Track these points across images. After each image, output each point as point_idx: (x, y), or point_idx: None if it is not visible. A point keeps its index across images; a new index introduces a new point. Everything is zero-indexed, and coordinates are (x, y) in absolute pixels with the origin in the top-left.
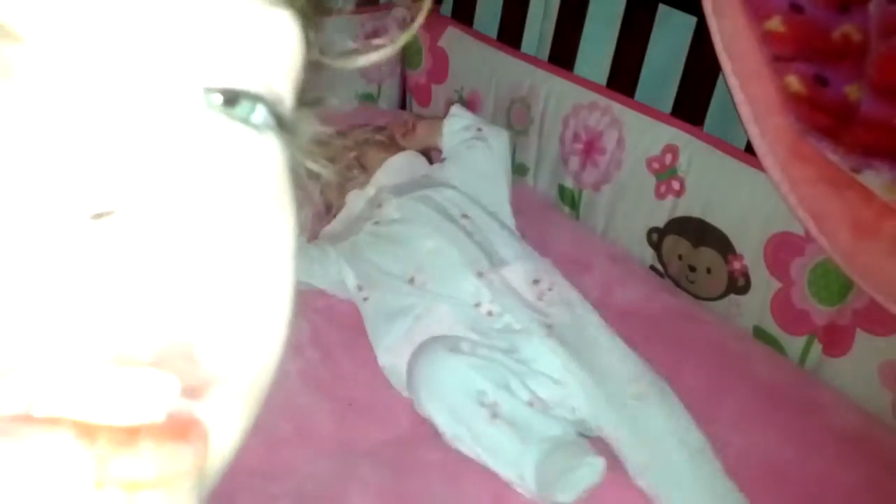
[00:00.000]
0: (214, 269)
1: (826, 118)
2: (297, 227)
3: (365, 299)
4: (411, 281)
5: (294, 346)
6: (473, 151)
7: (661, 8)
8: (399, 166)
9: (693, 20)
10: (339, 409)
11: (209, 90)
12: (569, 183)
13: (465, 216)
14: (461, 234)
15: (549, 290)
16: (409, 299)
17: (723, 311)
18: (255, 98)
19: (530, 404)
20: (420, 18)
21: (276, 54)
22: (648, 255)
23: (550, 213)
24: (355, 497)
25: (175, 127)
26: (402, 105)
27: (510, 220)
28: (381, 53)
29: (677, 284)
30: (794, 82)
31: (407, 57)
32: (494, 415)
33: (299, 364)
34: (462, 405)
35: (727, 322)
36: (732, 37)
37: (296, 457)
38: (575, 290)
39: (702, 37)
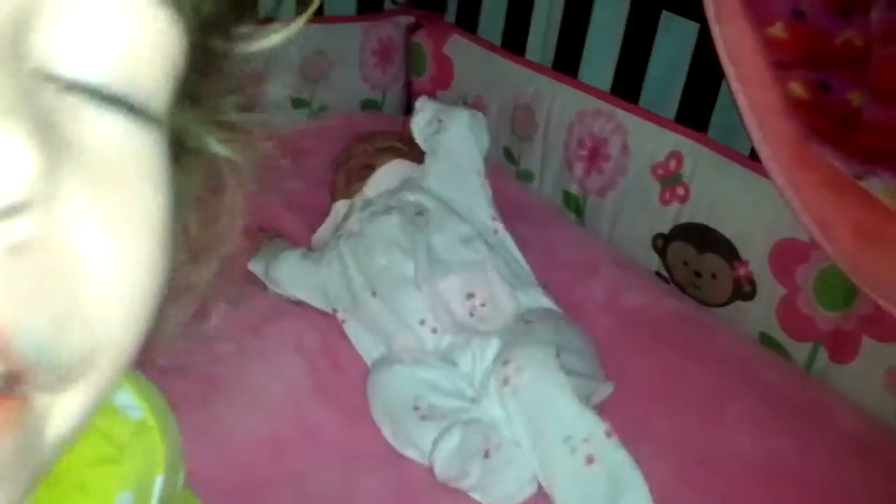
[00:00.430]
0: (37, 253)
1: (829, 124)
2: (163, 213)
3: (343, 321)
4: (374, 294)
5: (305, 355)
6: (438, 143)
7: (664, 14)
8: (388, 175)
9: (696, 26)
10: (346, 418)
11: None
12: (574, 189)
13: (419, 214)
14: (416, 242)
15: (482, 305)
16: (376, 316)
17: (729, 317)
18: (95, 90)
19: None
20: (306, 16)
21: (137, 48)
22: (654, 260)
23: (555, 218)
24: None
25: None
26: (407, 112)
27: (485, 209)
28: (277, 37)
29: (683, 290)
30: (796, 88)
31: (411, 64)
32: (423, 416)
33: (309, 373)
34: (397, 410)
35: (733, 328)
36: (735, 42)
37: (302, 464)
38: (513, 304)
39: (705, 43)
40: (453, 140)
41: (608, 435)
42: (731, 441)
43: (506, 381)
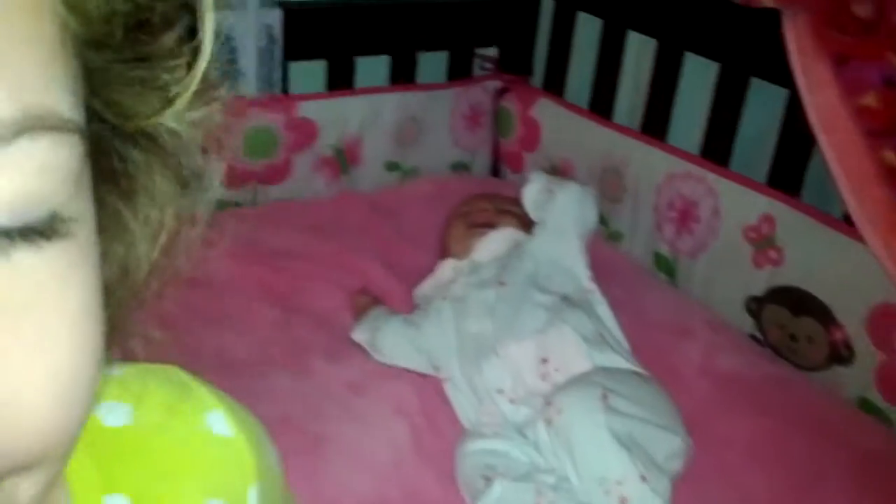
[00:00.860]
0: None
1: None
2: (91, 296)
3: (444, 380)
4: (462, 361)
5: (406, 417)
6: (547, 213)
7: (753, 80)
8: (500, 241)
9: (785, 92)
10: (448, 481)
11: None
12: (664, 250)
13: (501, 283)
14: (497, 310)
15: (556, 370)
16: (465, 383)
17: (826, 382)
18: None
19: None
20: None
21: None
22: (748, 323)
23: (647, 280)
24: None
25: None
26: (495, 173)
27: (584, 275)
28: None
29: (778, 353)
30: (890, 156)
31: (499, 127)
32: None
33: (411, 435)
34: (469, 482)
35: (831, 392)
36: (826, 110)
37: None
38: (586, 366)
39: (796, 108)
40: (561, 209)
41: (643, 479)
42: None
43: (549, 422)
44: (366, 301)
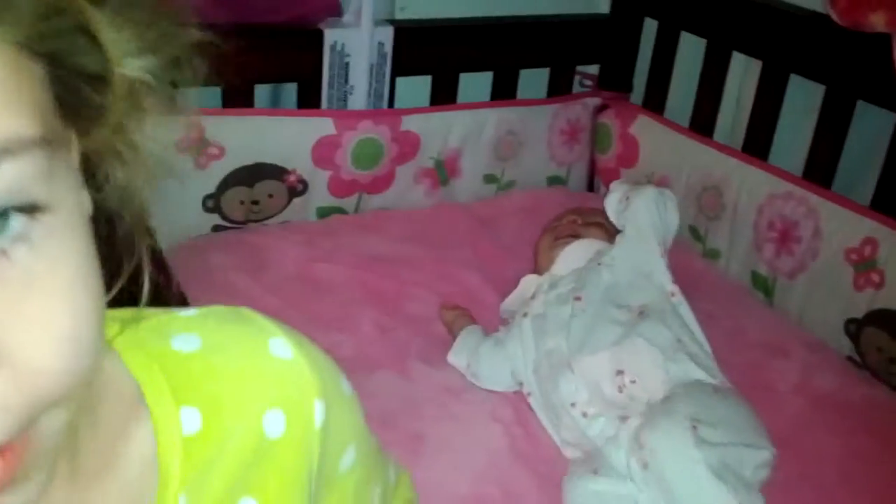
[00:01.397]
0: None
1: None
2: (86, 259)
3: (528, 394)
4: (539, 378)
5: (501, 423)
6: (626, 220)
7: (860, 103)
8: (578, 252)
9: (893, 116)
10: (545, 484)
11: None
12: (763, 270)
13: (577, 299)
14: (571, 325)
15: (632, 382)
16: (544, 398)
17: None
18: None
19: None
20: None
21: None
22: (846, 345)
23: (744, 298)
24: None
25: None
26: (590, 188)
27: (665, 278)
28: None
29: (876, 376)
30: None
31: (597, 142)
32: None
33: (506, 439)
34: None
35: None
36: None
37: None
38: (661, 376)
39: None
40: (638, 214)
41: None
42: None
43: (645, 466)
44: (453, 315)
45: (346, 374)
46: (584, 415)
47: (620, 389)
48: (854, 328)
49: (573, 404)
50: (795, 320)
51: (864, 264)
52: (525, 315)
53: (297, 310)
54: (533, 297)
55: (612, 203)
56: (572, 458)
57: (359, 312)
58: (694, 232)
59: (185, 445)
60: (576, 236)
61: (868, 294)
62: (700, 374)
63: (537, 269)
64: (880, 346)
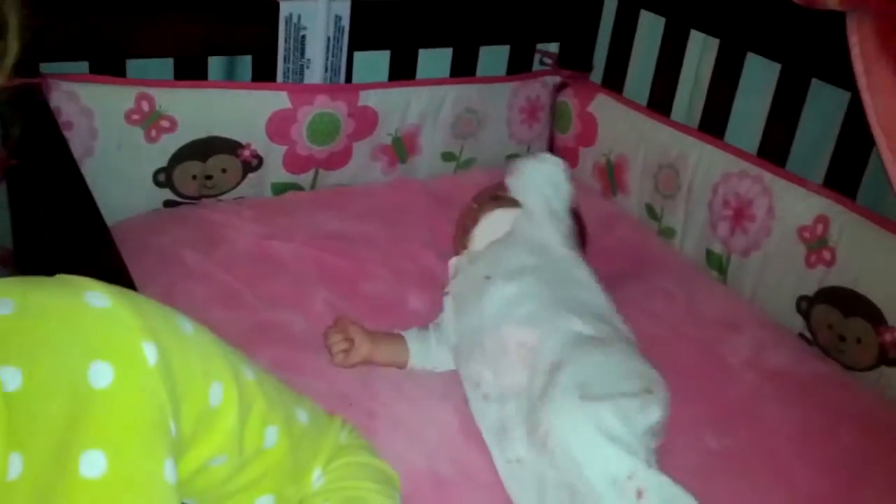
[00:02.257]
0: None
1: None
2: None
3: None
4: (456, 354)
5: (452, 403)
6: (517, 194)
7: (814, 81)
8: (490, 226)
9: (847, 94)
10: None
11: None
12: (717, 248)
13: (486, 278)
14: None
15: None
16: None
17: (873, 382)
18: None
19: None
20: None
21: None
22: (797, 322)
23: (697, 276)
24: None
25: None
26: None
27: (558, 243)
28: None
29: (827, 353)
30: None
31: (556, 121)
32: None
33: (457, 418)
34: None
35: (878, 392)
36: (887, 114)
37: (461, 499)
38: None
39: (855, 111)
40: (527, 185)
41: (648, 464)
42: (876, 500)
43: (544, 446)
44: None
45: (297, 352)
46: (485, 397)
47: (521, 358)
48: (805, 305)
49: (477, 384)
50: (748, 298)
51: (816, 242)
52: (447, 294)
53: (249, 288)
54: (454, 276)
55: (510, 178)
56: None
57: (312, 291)
58: (650, 210)
59: (5, 402)
60: (475, 220)
61: (819, 271)
62: (579, 326)
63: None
64: (830, 324)
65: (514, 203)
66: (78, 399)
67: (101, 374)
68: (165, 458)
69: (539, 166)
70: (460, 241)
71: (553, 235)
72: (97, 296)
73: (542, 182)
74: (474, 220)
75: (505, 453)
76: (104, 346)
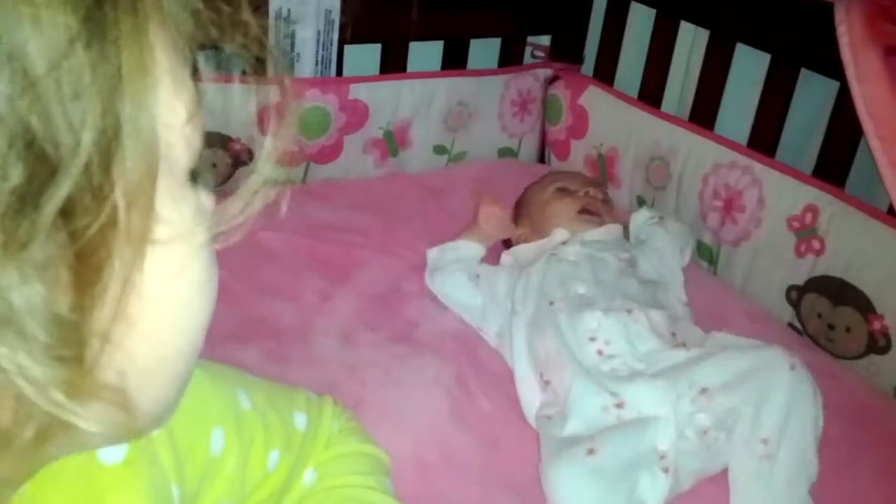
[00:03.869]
0: None
1: None
2: None
3: (515, 313)
4: (551, 304)
5: (442, 387)
6: (654, 234)
7: (803, 71)
8: (614, 230)
9: (836, 84)
10: (484, 446)
11: None
12: (707, 239)
13: (631, 265)
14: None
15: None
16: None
17: (862, 371)
18: None
19: None
20: None
21: None
22: (787, 312)
23: (688, 267)
24: None
25: None
26: (542, 159)
27: (680, 294)
28: None
29: (816, 342)
30: None
31: (548, 114)
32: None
33: (448, 402)
34: None
35: (867, 381)
36: (875, 102)
37: (445, 485)
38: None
39: (844, 100)
40: (669, 232)
41: None
42: (864, 492)
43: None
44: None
45: (288, 342)
46: (600, 352)
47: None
48: (795, 295)
49: (592, 339)
50: (738, 288)
51: (806, 231)
52: (553, 255)
53: (240, 279)
54: (565, 243)
55: (640, 221)
56: (541, 424)
57: (303, 281)
58: (641, 202)
59: None
60: (598, 216)
61: (809, 261)
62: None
63: (535, 227)
64: (820, 313)
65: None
66: (88, 478)
67: (114, 450)
68: None
69: (684, 229)
70: (573, 225)
71: (680, 287)
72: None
73: (682, 241)
74: (597, 215)
75: None
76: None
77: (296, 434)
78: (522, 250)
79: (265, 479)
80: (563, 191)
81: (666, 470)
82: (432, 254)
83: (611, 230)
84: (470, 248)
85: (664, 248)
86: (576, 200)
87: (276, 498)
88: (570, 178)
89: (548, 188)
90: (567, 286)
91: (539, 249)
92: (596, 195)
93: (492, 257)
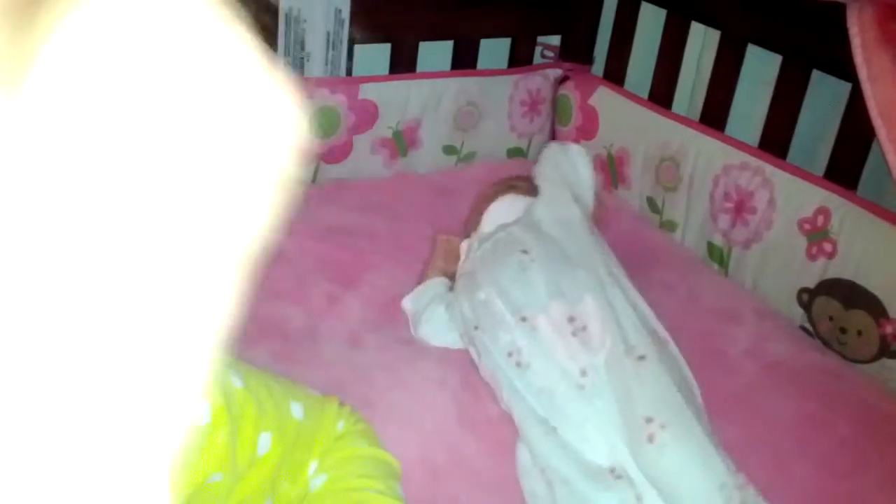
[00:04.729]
0: None
1: None
2: None
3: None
4: (476, 329)
5: (449, 390)
6: (538, 178)
7: (815, 73)
8: (500, 209)
9: (848, 86)
10: (491, 448)
11: None
12: (718, 240)
13: (524, 252)
14: (516, 275)
15: (583, 329)
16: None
17: (874, 374)
18: None
19: None
20: None
21: None
22: (798, 314)
23: (698, 268)
24: None
25: None
26: None
27: (581, 221)
28: None
29: (827, 345)
30: None
31: (558, 114)
32: None
33: (454, 405)
34: None
35: (879, 385)
36: (887, 102)
37: (455, 487)
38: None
39: (856, 101)
40: (545, 168)
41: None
42: (873, 495)
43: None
44: (448, 243)
45: (296, 344)
46: (518, 364)
47: (574, 334)
48: (806, 298)
49: (510, 354)
50: (749, 290)
51: (817, 234)
52: (460, 276)
53: (248, 280)
54: (465, 258)
55: (539, 166)
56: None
57: (312, 283)
58: (651, 203)
59: None
60: (488, 203)
61: (820, 264)
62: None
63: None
64: (832, 316)
65: (532, 192)
66: None
67: None
68: None
69: (562, 154)
70: (472, 222)
71: (574, 214)
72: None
73: (567, 169)
74: (487, 203)
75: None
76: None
77: (290, 421)
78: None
79: (255, 462)
80: (472, 211)
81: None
82: (407, 305)
83: (506, 204)
84: (437, 285)
85: (551, 193)
86: (471, 215)
87: (271, 484)
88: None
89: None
90: (472, 299)
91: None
92: (487, 193)
93: None
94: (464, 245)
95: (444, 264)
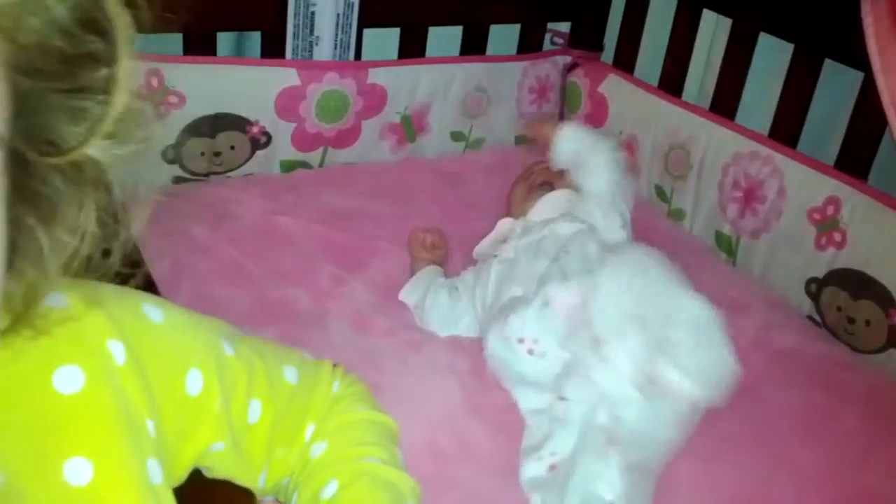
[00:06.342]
0: None
1: None
2: None
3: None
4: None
5: (457, 376)
6: (582, 178)
7: (827, 62)
8: (555, 201)
9: (860, 75)
10: (497, 435)
11: None
12: (726, 229)
13: (566, 252)
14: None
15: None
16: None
17: (882, 365)
18: None
19: None
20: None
21: None
22: (806, 304)
23: (707, 258)
24: None
25: None
26: None
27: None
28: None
29: (835, 335)
30: None
31: (566, 101)
32: None
33: (462, 391)
34: None
35: (887, 375)
36: None
37: (459, 472)
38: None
39: (868, 91)
40: (599, 176)
41: None
42: (880, 486)
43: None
44: (421, 245)
45: (302, 328)
46: (531, 352)
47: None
48: (815, 287)
49: (521, 340)
50: (758, 280)
51: (827, 224)
52: (496, 257)
53: (255, 263)
54: (506, 240)
55: (566, 152)
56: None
57: (318, 267)
58: (660, 191)
59: None
60: (549, 184)
61: (830, 254)
62: None
63: (510, 216)
64: (840, 306)
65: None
66: (45, 406)
67: (69, 380)
68: (147, 459)
69: (608, 152)
70: (524, 205)
71: (617, 231)
72: (56, 297)
73: (612, 169)
74: (549, 185)
75: None
76: (73, 351)
77: (284, 385)
78: (481, 249)
79: (248, 430)
80: (522, 178)
81: None
82: (406, 298)
83: (558, 197)
84: (430, 274)
85: (600, 210)
86: (524, 185)
87: (266, 451)
88: (533, 165)
89: (514, 185)
90: (503, 290)
91: (491, 243)
92: (546, 167)
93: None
94: (506, 222)
95: (427, 255)
